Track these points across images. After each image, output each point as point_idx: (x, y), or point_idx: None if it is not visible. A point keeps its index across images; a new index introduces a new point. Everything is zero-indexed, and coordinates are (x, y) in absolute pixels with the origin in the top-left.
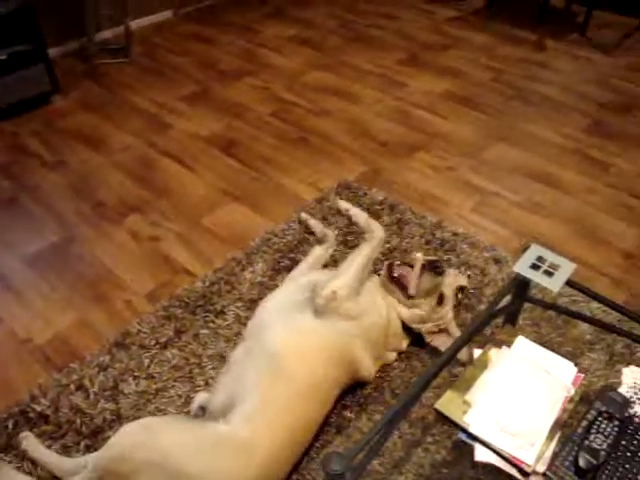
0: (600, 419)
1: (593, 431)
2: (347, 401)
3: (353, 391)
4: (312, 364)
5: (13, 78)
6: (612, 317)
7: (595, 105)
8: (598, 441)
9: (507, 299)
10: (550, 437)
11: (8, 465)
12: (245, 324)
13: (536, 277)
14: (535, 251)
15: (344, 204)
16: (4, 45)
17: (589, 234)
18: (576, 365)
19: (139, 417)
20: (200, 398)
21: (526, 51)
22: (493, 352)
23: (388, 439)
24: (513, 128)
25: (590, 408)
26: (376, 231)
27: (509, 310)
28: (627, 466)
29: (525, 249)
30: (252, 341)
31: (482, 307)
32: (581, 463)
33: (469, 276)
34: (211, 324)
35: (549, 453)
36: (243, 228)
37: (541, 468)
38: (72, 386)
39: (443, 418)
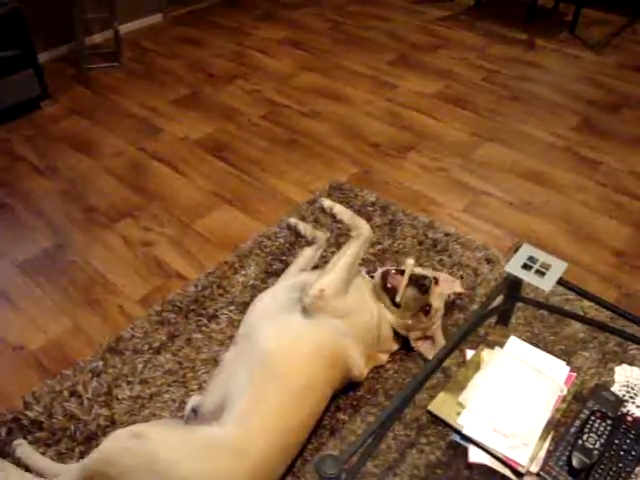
0: (593, 418)
1: (586, 430)
2: (341, 403)
3: (346, 393)
4: (303, 364)
5: (2, 84)
6: (604, 315)
7: (585, 103)
8: (591, 440)
9: (499, 299)
10: (543, 437)
11: (12, 465)
12: (238, 327)
13: (528, 277)
14: (526, 251)
15: (327, 202)
16: None
17: (580, 232)
18: (569, 364)
19: (133, 422)
20: (193, 401)
21: (516, 50)
22: (486, 353)
23: (382, 441)
24: (504, 127)
25: (583, 407)
26: (362, 228)
27: (501, 310)
28: (620, 465)
29: (516, 249)
30: (243, 343)
31: (475, 307)
32: (574, 463)
33: (461, 276)
34: (204, 328)
35: (542, 453)
36: (235, 231)
37: (535, 468)
38: (66, 392)
39: (437, 419)
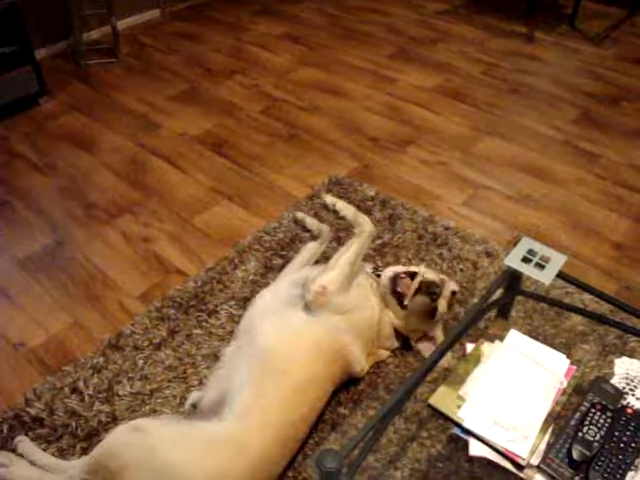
0: (593, 411)
1: (586, 423)
2: (341, 397)
3: (347, 387)
4: (303, 360)
5: (0, 81)
6: (604, 308)
7: (584, 96)
8: (591, 433)
9: (499, 292)
10: (543, 430)
11: (17, 457)
12: (238, 323)
13: (527, 270)
14: (526, 244)
15: (330, 199)
16: None
17: (580, 225)
18: (569, 357)
19: (134, 418)
20: (193, 396)
21: (515, 43)
22: (486, 346)
23: (383, 435)
24: (503, 121)
25: (583, 400)
26: (365, 225)
27: (501, 303)
28: (620, 456)
29: (516, 242)
30: (243, 338)
31: (474, 301)
32: (575, 455)
33: (461, 270)
34: (204, 324)
35: (543, 446)
36: (235, 227)
37: (535, 461)
38: (66, 389)
39: (438, 413)
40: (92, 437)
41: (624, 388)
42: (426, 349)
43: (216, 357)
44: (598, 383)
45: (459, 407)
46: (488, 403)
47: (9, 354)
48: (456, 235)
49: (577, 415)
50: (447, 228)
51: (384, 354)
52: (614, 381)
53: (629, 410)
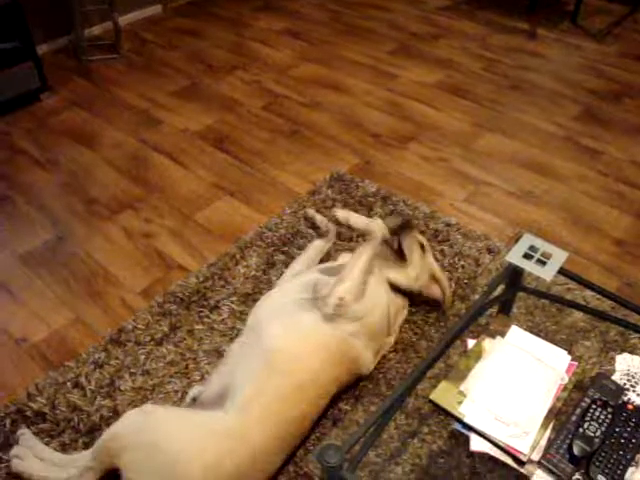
0: (594, 406)
1: (587, 419)
2: (343, 393)
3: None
4: (309, 361)
5: (2, 76)
6: (605, 305)
7: (586, 93)
8: (592, 428)
9: (500, 289)
10: (544, 425)
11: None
12: (240, 318)
13: (529, 266)
14: (527, 240)
15: (341, 213)
16: None
17: (581, 222)
18: (570, 353)
19: None
20: (194, 390)
21: (517, 40)
22: (487, 342)
23: (384, 430)
24: (505, 117)
25: (584, 396)
26: (376, 231)
27: (503, 300)
28: (621, 452)
29: (517, 238)
30: (250, 336)
31: (476, 297)
32: (575, 450)
33: (463, 266)
34: (206, 319)
35: (544, 441)
36: (236, 223)
37: (536, 456)
38: (69, 384)
39: (439, 409)
40: (94, 432)
41: (625, 384)
42: (437, 292)
43: (218, 353)
44: (599, 379)
45: (460, 403)
46: (489, 399)
47: (11, 349)
48: (457, 231)
49: (578, 411)
50: (448, 224)
51: (391, 340)
52: (615, 377)
53: (630, 406)
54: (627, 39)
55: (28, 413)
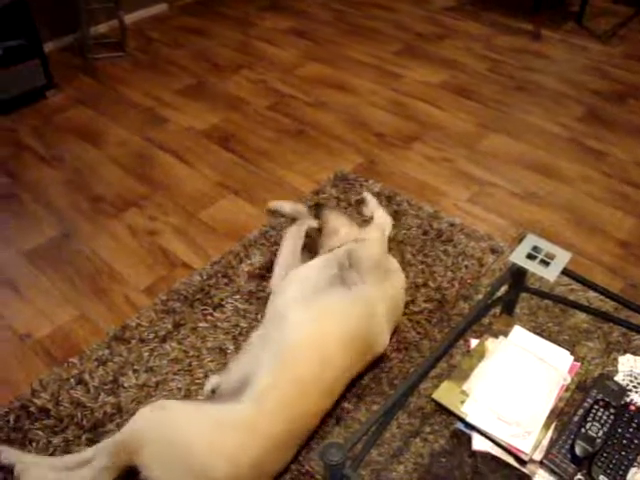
0: (596, 407)
1: (589, 419)
2: (345, 392)
3: (352, 382)
4: (329, 356)
5: (8, 73)
6: (609, 306)
7: (591, 94)
8: (594, 429)
9: (504, 289)
10: (547, 425)
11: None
12: (244, 316)
13: (532, 267)
14: (531, 241)
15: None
16: None
17: (585, 223)
18: (573, 354)
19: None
20: (212, 381)
21: (522, 40)
22: (490, 342)
23: (386, 429)
24: (509, 118)
25: (586, 396)
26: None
27: (506, 300)
28: (623, 453)
29: (521, 239)
30: (270, 327)
31: (479, 297)
32: (577, 451)
33: (466, 266)
34: (209, 317)
35: (546, 441)
36: (240, 221)
37: (538, 456)
38: (72, 380)
39: (441, 408)
40: (97, 428)
41: (628, 385)
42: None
43: (221, 350)
44: (602, 380)
45: (463, 402)
46: (492, 398)
47: (16, 345)
48: (461, 231)
49: (580, 411)
50: (452, 224)
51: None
52: (618, 378)
53: (632, 407)
54: (632, 40)
55: (32, 409)
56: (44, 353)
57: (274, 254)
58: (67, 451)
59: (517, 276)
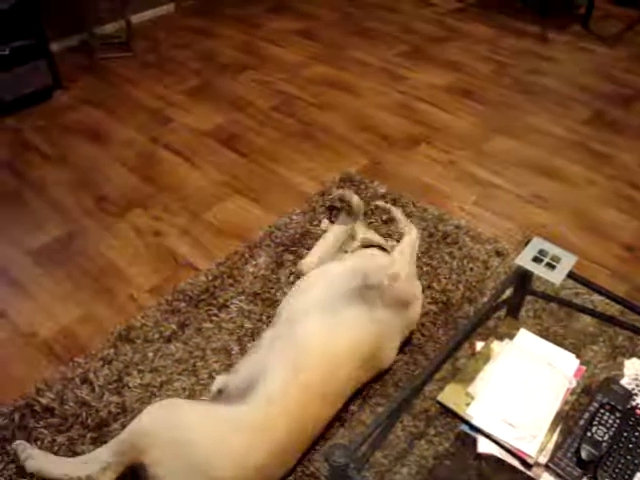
0: (602, 411)
1: (595, 423)
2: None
3: None
4: (338, 367)
5: (15, 73)
6: (614, 309)
7: (597, 97)
8: (600, 433)
9: (509, 292)
10: (552, 429)
11: (39, 450)
12: (248, 317)
13: (538, 270)
14: (537, 244)
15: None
16: (6, 40)
17: (591, 226)
18: (578, 357)
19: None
20: (219, 380)
21: (528, 43)
22: (495, 344)
23: (391, 431)
24: (515, 120)
25: (592, 400)
26: (412, 230)
27: (511, 303)
28: (629, 457)
29: (527, 242)
30: (283, 328)
31: (484, 300)
32: (583, 455)
33: (471, 269)
34: (214, 318)
35: (551, 445)
36: (246, 222)
37: (543, 460)
38: (77, 379)
39: (446, 410)
40: (102, 427)
41: (633, 389)
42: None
43: (226, 351)
44: (607, 384)
45: (468, 405)
46: (497, 401)
47: (21, 344)
48: (466, 234)
49: (586, 415)
50: (457, 227)
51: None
52: (624, 382)
53: (638, 411)
54: (638, 44)
55: (37, 408)
56: (49, 352)
57: (279, 255)
58: (71, 450)
59: (522, 279)
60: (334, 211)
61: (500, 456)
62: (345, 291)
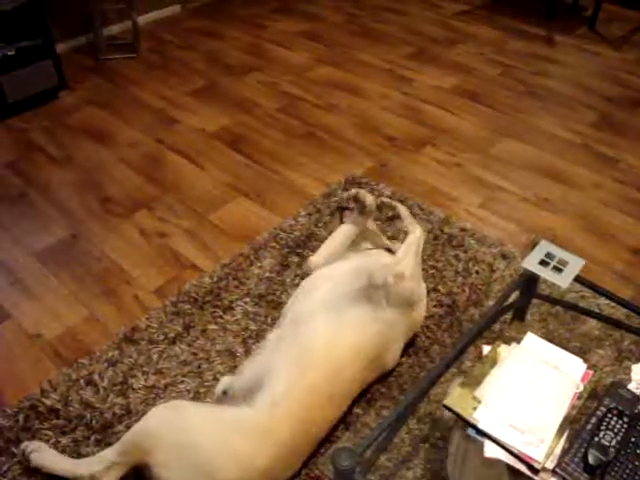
0: (609, 415)
1: (602, 428)
2: (355, 397)
3: None
4: (343, 368)
5: (21, 74)
6: (620, 313)
7: (603, 100)
8: (607, 438)
9: (515, 295)
10: (559, 434)
11: (46, 446)
12: (253, 319)
13: (545, 273)
14: (544, 247)
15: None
16: (12, 40)
17: (597, 230)
18: (585, 361)
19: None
20: (223, 382)
21: (534, 46)
22: (502, 348)
23: (396, 435)
24: (521, 123)
25: (599, 405)
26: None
27: (517, 306)
28: (636, 462)
29: (534, 245)
30: (287, 329)
31: (490, 303)
32: (590, 460)
33: (477, 272)
34: (219, 319)
35: (558, 450)
36: (251, 223)
37: (550, 464)
38: (82, 381)
39: (453, 414)
40: (106, 429)
41: None
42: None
43: (231, 353)
44: (615, 388)
45: (475, 409)
46: (504, 405)
47: (25, 345)
48: (472, 237)
49: (593, 420)
50: (463, 229)
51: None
52: (631, 387)
53: None
54: None
55: (41, 409)
56: (54, 353)
57: (285, 257)
58: (76, 451)
59: (529, 282)
60: (344, 210)
61: (507, 460)
62: (350, 291)
